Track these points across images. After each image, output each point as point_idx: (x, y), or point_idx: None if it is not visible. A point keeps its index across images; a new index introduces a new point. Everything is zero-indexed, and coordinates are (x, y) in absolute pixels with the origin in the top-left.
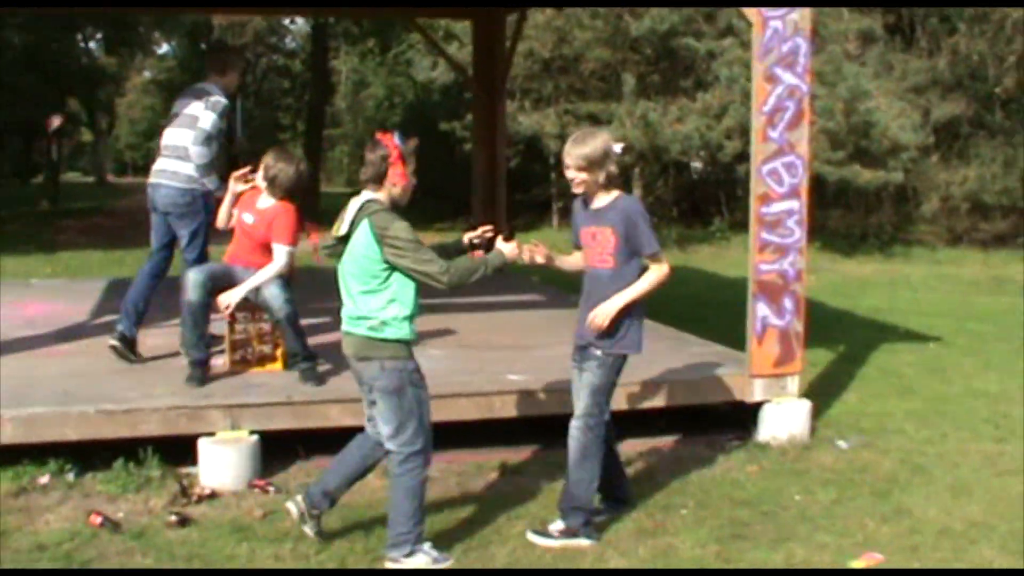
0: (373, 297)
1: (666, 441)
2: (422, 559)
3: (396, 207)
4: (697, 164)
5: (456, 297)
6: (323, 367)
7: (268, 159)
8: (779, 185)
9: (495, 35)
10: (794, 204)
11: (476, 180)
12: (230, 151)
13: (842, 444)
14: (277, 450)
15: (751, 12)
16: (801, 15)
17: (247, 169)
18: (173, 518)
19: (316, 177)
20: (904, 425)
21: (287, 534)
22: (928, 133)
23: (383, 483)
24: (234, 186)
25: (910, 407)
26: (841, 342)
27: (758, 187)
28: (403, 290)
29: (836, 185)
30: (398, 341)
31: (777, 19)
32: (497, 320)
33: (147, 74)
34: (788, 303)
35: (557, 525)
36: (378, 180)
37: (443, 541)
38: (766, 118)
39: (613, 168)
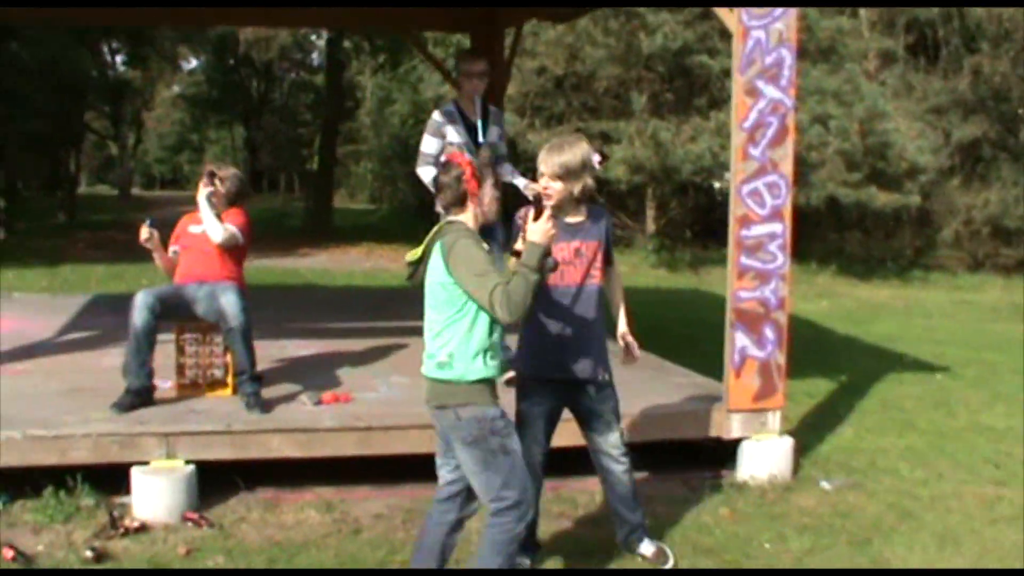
0: (448, 329)
1: (637, 478)
2: None
3: (484, 227)
4: (719, 184)
5: None
6: (269, 392)
7: (222, 172)
8: (760, 207)
9: (492, 49)
10: (776, 227)
11: None
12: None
13: (826, 485)
14: (218, 481)
15: (731, 21)
16: (786, 24)
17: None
18: (89, 553)
19: (328, 192)
20: (898, 463)
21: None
22: (948, 155)
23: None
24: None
25: (908, 443)
26: (844, 371)
27: (737, 208)
28: (478, 320)
29: (853, 208)
30: (470, 383)
31: (759, 29)
32: None
33: (175, 88)
34: (769, 333)
35: (649, 548)
36: (459, 202)
37: None
38: (747, 135)
39: (590, 181)
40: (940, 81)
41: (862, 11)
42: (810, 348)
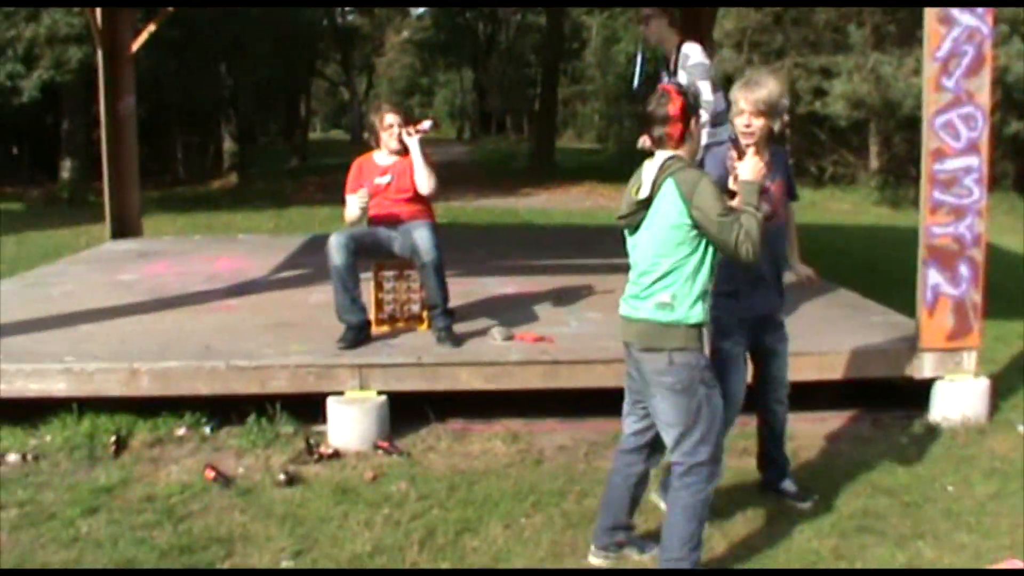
0: (673, 271)
1: (828, 416)
2: None
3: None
4: None
5: None
6: (464, 328)
7: (398, 118)
8: (955, 140)
9: None
10: (973, 160)
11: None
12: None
13: (1023, 429)
14: (411, 412)
15: None
16: None
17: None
18: (282, 476)
19: (551, 132)
20: None
21: (388, 498)
22: None
23: None
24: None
25: None
26: None
27: (931, 141)
28: (704, 263)
29: None
30: (689, 326)
31: None
32: None
33: (405, 34)
34: (964, 270)
35: (791, 486)
36: (673, 138)
37: (555, 517)
38: (940, 64)
39: (786, 117)
40: None
41: None
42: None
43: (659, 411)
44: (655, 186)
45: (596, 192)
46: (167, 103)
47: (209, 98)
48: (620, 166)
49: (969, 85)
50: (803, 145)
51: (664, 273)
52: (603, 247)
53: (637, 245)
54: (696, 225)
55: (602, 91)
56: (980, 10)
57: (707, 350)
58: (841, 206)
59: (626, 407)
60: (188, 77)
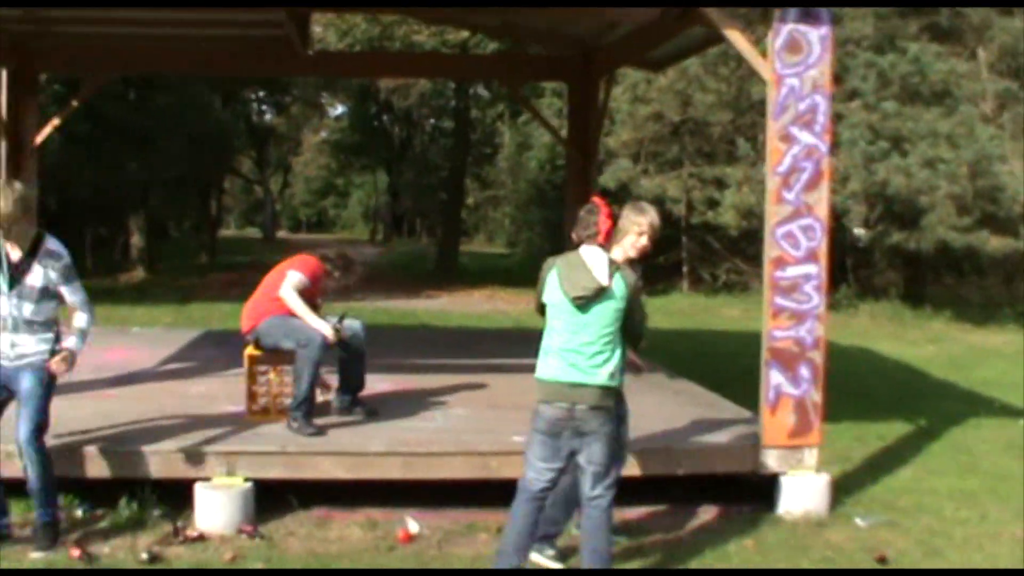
0: (614, 345)
1: (679, 509)
2: None
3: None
4: (860, 231)
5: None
6: (341, 419)
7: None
8: (795, 249)
9: (588, 97)
10: (812, 268)
11: (569, 239)
12: None
13: (860, 522)
14: (279, 499)
15: (765, 70)
16: (820, 71)
17: None
18: (145, 556)
19: (455, 235)
20: (944, 504)
21: None
22: None
23: None
24: None
25: (963, 485)
26: (926, 415)
27: (772, 250)
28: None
29: (964, 252)
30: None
31: (793, 76)
32: None
33: (323, 134)
34: (805, 371)
35: None
36: (602, 233)
37: None
38: (781, 179)
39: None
40: None
41: (980, 52)
42: (900, 392)
43: (594, 454)
44: (610, 276)
45: (497, 296)
46: (76, 196)
47: (118, 193)
48: (525, 271)
49: (808, 198)
50: (698, 253)
51: (610, 346)
52: (483, 348)
53: (588, 323)
54: (627, 312)
55: (513, 196)
56: (818, 128)
57: None
58: (731, 312)
59: (543, 460)
60: (97, 171)
